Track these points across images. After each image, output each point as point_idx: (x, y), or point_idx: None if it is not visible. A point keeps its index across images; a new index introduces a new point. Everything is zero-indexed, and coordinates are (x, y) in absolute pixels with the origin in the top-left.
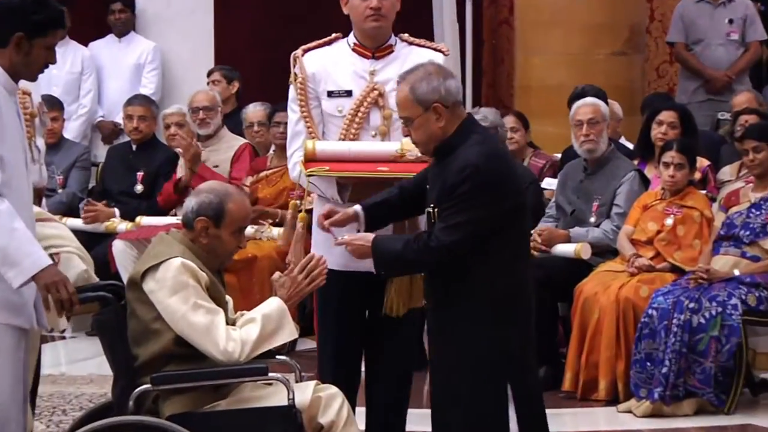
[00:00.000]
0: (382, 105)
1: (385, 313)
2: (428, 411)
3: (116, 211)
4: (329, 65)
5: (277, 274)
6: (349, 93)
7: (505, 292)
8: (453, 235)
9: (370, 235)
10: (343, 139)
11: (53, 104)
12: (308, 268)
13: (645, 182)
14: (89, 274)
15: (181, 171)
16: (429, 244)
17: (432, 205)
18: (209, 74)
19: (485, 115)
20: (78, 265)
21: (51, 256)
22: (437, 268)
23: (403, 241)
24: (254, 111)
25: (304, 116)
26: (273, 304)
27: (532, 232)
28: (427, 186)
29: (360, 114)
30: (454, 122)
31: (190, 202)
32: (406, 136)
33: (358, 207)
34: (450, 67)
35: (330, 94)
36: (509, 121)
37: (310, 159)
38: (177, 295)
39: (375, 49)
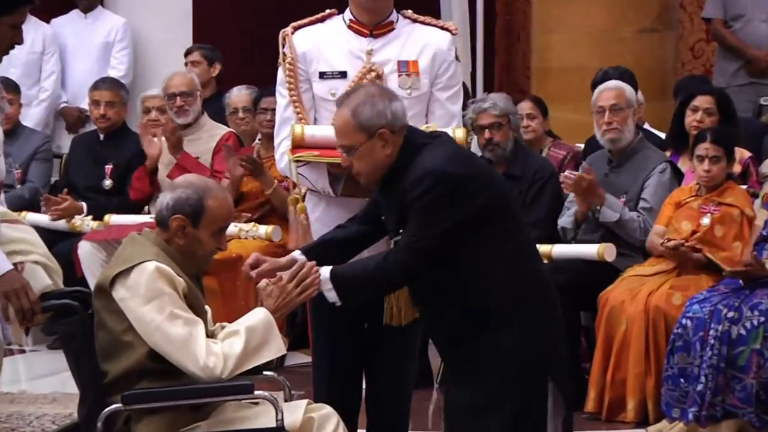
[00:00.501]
0: None
1: (386, 324)
2: None
3: (84, 205)
4: (322, 44)
5: (263, 281)
6: (343, 74)
7: (501, 292)
8: (419, 251)
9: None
10: None
11: (7, 86)
12: (299, 275)
13: (678, 176)
14: (58, 287)
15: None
16: (398, 261)
17: (396, 233)
18: (187, 54)
19: (494, 101)
20: (42, 279)
21: (15, 265)
22: (411, 285)
23: (363, 264)
24: (239, 95)
25: (293, 101)
26: (258, 316)
27: (572, 174)
28: (383, 217)
29: None
30: (399, 146)
31: (165, 198)
32: (346, 166)
33: (297, 253)
34: (459, 48)
35: (322, 75)
36: (525, 107)
37: (298, 145)
38: (151, 304)
39: (373, 26)
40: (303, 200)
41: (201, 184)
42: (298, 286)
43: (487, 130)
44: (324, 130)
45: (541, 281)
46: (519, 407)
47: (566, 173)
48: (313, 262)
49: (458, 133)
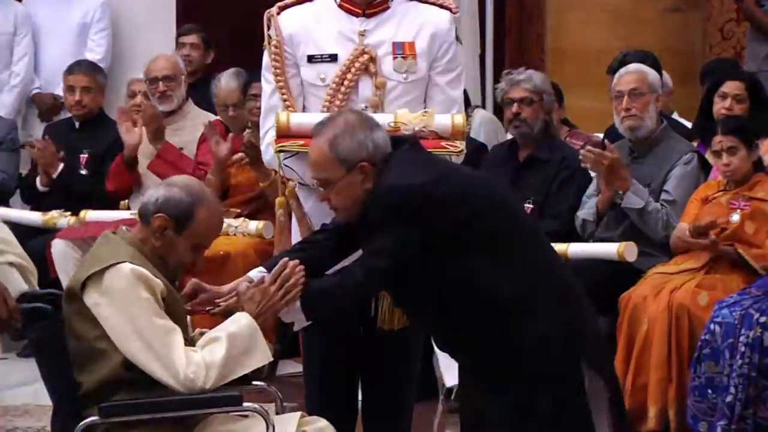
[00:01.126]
0: (373, 72)
1: (380, 328)
2: None
3: (61, 165)
4: (310, 25)
5: (244, 284)
6: (333, 58)
7: (513, 288)
8: (373, 269)
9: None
10: (326, 112)
11: None
12: (282, 277)
13: (705, 167)
14: (33, 289)
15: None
16: (351, 277)
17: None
18: (182, 34)
19: (530, 76)
20: (17, 283)
21: None
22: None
23: (327, 281)
24: (227, 88)
25: (279, 87)
26: (240, 321)
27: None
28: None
29: (347, 83)
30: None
31: (157, 192)
32: (322, 200)
33: (253, 272)
34: (467, 29)
35: (311, 59)
36: None
37: (283, 134)
38: (125, 311)
39: (366, 5)
40: (293, 194)
41: (198, 191)
42: (280, 288)
43: (516, 104)
44: (311, 118)
45: (552, 268)
46: (555, 400)
47: (587, 148)
48: (296, 261)
49: (458, 120)
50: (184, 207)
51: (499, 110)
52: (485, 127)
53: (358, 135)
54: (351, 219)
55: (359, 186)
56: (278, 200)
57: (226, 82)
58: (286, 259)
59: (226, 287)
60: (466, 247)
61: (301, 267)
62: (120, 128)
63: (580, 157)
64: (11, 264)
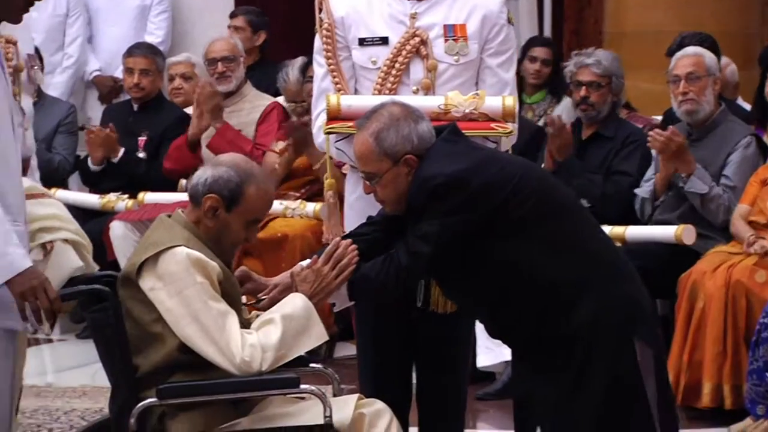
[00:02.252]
0: (424, 54)
1: (432, 311)
2: None
3: (122, 150)
4: (361, 8)
5: (298, 266)
6: (384, 41)
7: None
8: (418, 251)
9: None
10: (378, 95)
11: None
12: (335, 257)
13: (764, 151)
14: (89, 264)
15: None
16: (396, 261)
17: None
18: (231, 17)
19: (599, 59)
20: (72, 260)
21: (43, 245)
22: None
23: (371, 265)
24: (297, 85)
25: (331, 70)
26: (295, 302)
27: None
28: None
29: (398, 65)
30: None
31: (205, 173)
32: (369, 193)
33: (297, 266)
34: (524, 12)
35: (362, 42)
36: None
37: (333, 117)
38: (181, 295)
39: None
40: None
41: (246, 168)
42: (333, 268)
43: (584, 87)
44: (362, 100)
45: (601, 245)
46: (610, 378)
47: (655, 130)
48: (349, 241)
49: (508, 101)
50: (233, 185)
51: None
52: (567, 113)
53: (402, 128)
54: (398, 211)
55: (405, 178)
56: (328, 182)
57: (295, 77)
58: (338, 239)
59: (273, 279)
60: (510, 230)
61: (354, 246)
62: (193, 112)
63: (648, 139)
64: (66, 241)
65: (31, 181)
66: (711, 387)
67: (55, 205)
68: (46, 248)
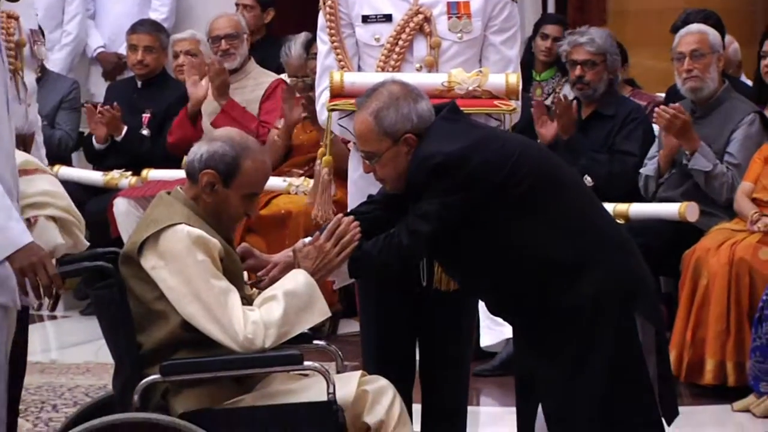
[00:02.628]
0: (428, 32)
1: (436, 288)
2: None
3: (125, 127)
4: None
5: (300, 242)
6: (388, 18)
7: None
8: (418, 230)
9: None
10: (381, 72)
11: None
12: (337, 233)
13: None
14: (78, 241)
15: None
16: (397, 240)
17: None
18: None
19: (592, 37)
20: (53, 237)
21: (27, 219)
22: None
23: (373, 243)
24: (300, 60)
25: (334, 47)
26: (297, 279)
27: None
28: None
29: (401, 43)
30: None
31: (200, 149)
32: (368, 172)
33: (299, 242)
34: None
35: (365, 19)
36: None
37: (337, 94)
38: (183, 274)
39: None
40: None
41: (241, 142)
42: (336, 245)
43: (579, 67)
44: (365, 77)
45: (602, 222)
46: (612, 353)
47: (661, 107)
48: (351, 217)
49: (512, 79)
50: (229, 159)
51: None
52: None
53: (402, 107)
54: (398, 190)
55: (404, 157)
56: (325, 158)
57: (297, 52)
58: (340, 215)
59: (274, 257)
60: (510, 208)
61: (356, 223)
62: (187, 82)
63: (654, 116)
64: (49, 217)
65: (25, 156)
66: (714, 364)
67: (47, 181)
68: (30, 222)
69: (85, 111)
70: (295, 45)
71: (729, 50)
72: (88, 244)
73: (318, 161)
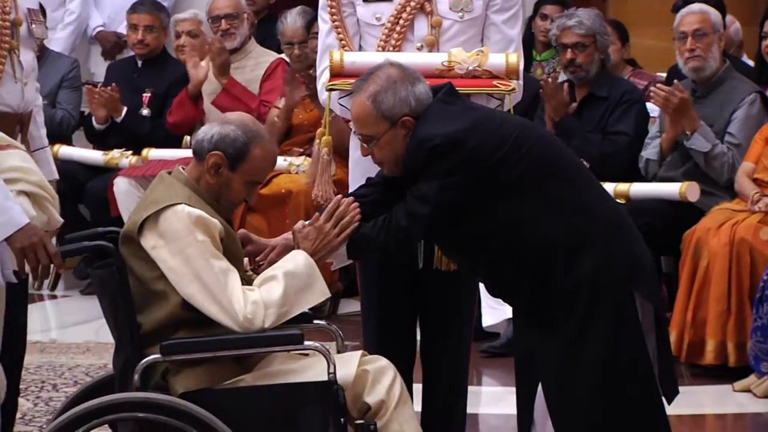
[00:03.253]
0: (429, 11)
1: (437, 268)
2: (482, 389)
3: (125, 109)
4: None
5: (300, 223)
6: None
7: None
8: (416, 211)
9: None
10: (382, 51)
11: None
12: (337, 214)
13: None
14: (52, 216)
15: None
16: (395, 222)
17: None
18: None
19: (580, 19)
20: (25, 211)
21: None
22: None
23: (372, 225)
24: (294, 28)
25: (335, 26)
26: (297, 259)
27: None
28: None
29: (402, 22)
30: None
31: (212, 130)
32: (366, 155)
33: (299, 223)
34: None
35: None
36: None
37: (337, 73)
38: (183, 254)
39: None
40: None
41: (253, 128)
42: (335, 226)
43: (570, 50)
44: (364, 57)
45: (600, 202)
46: (611, 333)
47: (657, 86)
48: (351, 198)
49: (512, 59)
50: (240, 144)
51: None
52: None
53: (399, 90)
54: (396, 173)
55: (402, 140)
56: (324, 138)
57: (292, 19)
58: (340, 196)
59: (272, 241)
60: (509, 189)
61: (356, 204)
62: (188, 63)
63: (651, 94)
64: (21, 192)
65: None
66: (715, 344)
67: (18, 156)
68: None
69: (85, 91)
70: (290, 14)
71: (730, 30)
72: (62, 220)
73: (317, 141)
